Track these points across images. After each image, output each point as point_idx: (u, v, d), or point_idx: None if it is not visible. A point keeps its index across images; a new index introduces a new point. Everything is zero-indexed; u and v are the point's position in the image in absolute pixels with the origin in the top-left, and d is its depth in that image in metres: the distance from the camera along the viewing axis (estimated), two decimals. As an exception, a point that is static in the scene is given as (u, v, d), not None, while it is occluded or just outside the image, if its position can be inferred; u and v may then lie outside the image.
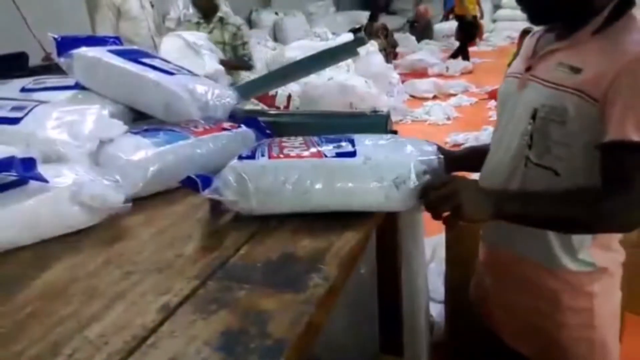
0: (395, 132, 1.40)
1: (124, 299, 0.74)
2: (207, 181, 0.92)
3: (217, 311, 0.70)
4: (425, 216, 1.63)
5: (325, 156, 0.95)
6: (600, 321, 1.06)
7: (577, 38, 0.97)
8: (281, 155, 0.96)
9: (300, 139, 1.04)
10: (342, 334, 1.51)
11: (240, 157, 0.96)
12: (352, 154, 0.95)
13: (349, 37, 6.64)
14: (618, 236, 1.06)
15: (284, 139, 1.05)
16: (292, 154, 0.97)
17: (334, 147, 0.97)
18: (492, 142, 1.15)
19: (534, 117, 0.99)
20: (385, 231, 1.41)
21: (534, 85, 1.02)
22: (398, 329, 1.52)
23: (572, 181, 0.97)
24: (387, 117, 1.36)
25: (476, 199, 0.91)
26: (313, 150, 0.97)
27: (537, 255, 1.05)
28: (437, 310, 2.14)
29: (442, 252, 1.92)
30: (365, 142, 1.00)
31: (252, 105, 1.67)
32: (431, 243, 2.28)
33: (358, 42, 1.35)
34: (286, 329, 0.66)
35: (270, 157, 0.95)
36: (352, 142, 0.99)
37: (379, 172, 0.93)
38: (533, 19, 1.02)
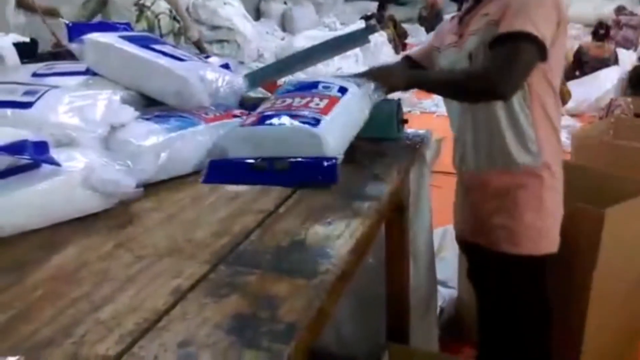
0: (405, 121, 1.39)
1: (135, 282, 0.74)
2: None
3: (229, 295, 0.70)
4: (434, 208, 1.64)
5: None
6: (547, 210, 1.35)
7: (487, 1, 1.32)
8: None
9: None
10: (350, 321, 1.52)
11: None
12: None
13: (358, 26, 6.62)
14: (553, 136, 1.34)
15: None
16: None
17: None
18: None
19: (470, 58, 1.32)
20: (394, 220, 1.41)
21: (468, 39, 1.34)
22: (405, 317, 1.52)
23: None
24: (397, 103, 1.35)
25: (397, 74, 1.29)
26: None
27: (499, 162, 1.35)
28: (447, 296, 2.16)
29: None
30: None
31: (261, 94, 1.65)
32: (439, 233, 2.29)
33: (370, 29, 1.34)
34: (297, 313, 0.66)
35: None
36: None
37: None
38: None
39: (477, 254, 1.53)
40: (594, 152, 2.19)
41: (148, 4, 3.06)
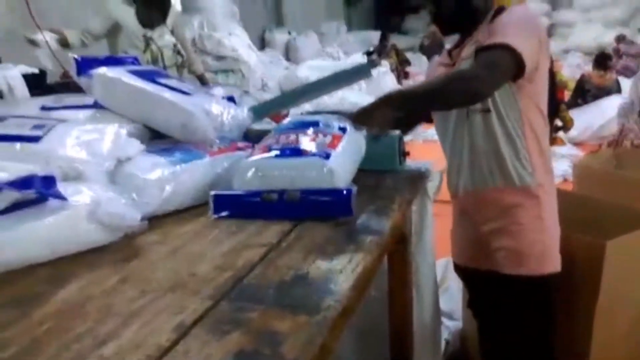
0: (407, 154, 1.41)
1: (139, 317, 0.75)
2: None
3: (231, 332, 0.71)
4: (437, 239, 1.65)
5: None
6: (548, 230, 1.38)
7: (476, 33, 1.37)
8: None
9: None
10: (353, 354, 1.51)
11: None
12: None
13: (360, 57, 6.71)
14: (543, 157, 1.38)
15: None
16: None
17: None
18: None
19: None
20: (397, 252, 1.41)
21: (460, 64, 1.38)
22: (409, 350, 1.51)
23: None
24: (399, 136, 1.37)
25: (378, 113, 1.23)
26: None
27: (498, 180, 1.37)
28: (452, 328, 2.14)
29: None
30: None
31: (267, 123, 1.67)
32: (443, 264, 2.28)
33: (371, 64, 1.37)
34: (299, 350, 0.66)
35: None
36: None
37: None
38: (446, 32, 1.49)
39: (478, 280, 1.52)
40: (596, 182, 2.19)
41: (155, 37, 3.14)
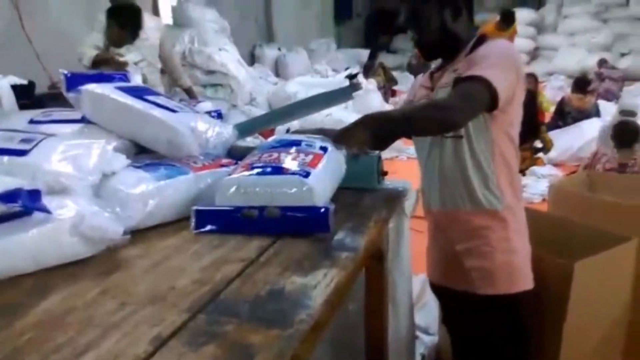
0: (385, 173, 1.46)
1: (118, 329, 0.78)
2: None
3: (206, 344, 0.74)
4: (415, 254, 1.69)
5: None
6: (516, 250, 1.43)
7: (457, 61, 1.45)
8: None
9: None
10: (329, 369, 1.53)
11: None
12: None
13: (345, 78, 6.80)
14: (513, 182, 1.44)
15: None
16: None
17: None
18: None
19: None
20: (374, 268, 1.45)
21: (438, 92, 1.45)
22: (384, 366, 1.54)
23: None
24: (377, 156, 1.42)
25: (357, 131, 1.26)
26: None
27: (466, 203, 1.43)
28: (428, 343, 2.18)
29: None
30: None
31: (250, 141, 1.71)
32: (420, 280, 2.32)
33: (352, 87, 1.42)
34: (271, 363, 0.69)
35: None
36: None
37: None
38: (427, 58, 1.57)
39: (451, 298, 1.57)
40: (570, 204, 2.26)
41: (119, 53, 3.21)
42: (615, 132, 3.53)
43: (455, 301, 1.55)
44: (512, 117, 1.42)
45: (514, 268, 1.44)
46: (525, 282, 1.46)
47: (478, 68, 1.31)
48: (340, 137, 1.29)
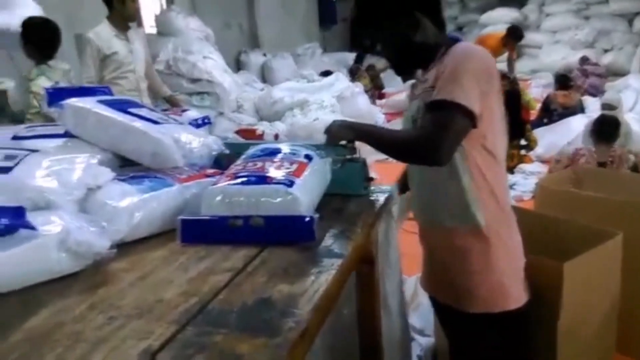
0: (371, 179, 1.47)
1: (106, 343, 0.78)
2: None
3: (195, 355, 0.74)
4: (407, 256, 1.70)
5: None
6: (498, 270, 1.38)
7: (429, 68, 1.40)
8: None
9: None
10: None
11: None
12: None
13: (334, 77, 6.82)
14: (492, 201, 1.37)
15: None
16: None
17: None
18: None
19: (414, 122, 1.40)
20: (364, 272, 1.46)
21: (412, 104, 1.44)
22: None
23: None
24: (363, 162, 1.43)
25: (344, 128, 1.36)
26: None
27: (445, 217, 1.39)
28: (424, 344, 2.19)
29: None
30: None
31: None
32: (413, 281, 2.34)
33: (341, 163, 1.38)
34: (259, 372, 0.70)
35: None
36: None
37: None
38: (402, 75, 1.52)
39: (438, 307, 1.58)
40: (557, 201, 2.27)
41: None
42: (595, 126, 3.53)
43: (442, 312, 1.57)
44: (485, 129, 1.31)
45: (493, 288, 1.38)
46: (509, 302, 1.39)
47: (446, 86, 1.26)
48: (331, 127, 1.36)
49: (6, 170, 1.12)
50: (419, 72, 1.48)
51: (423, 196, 1.46)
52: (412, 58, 1.43)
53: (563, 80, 6.24)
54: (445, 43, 1.38)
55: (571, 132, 5.46)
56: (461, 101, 1.24)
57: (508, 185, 1.51)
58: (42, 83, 2.76)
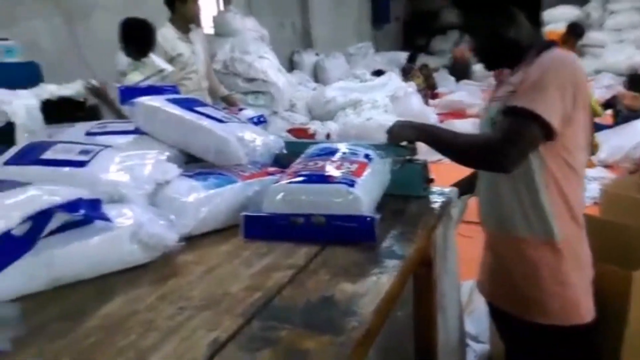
0: (431, 180, 1.45)
1: (177, 333, 0.81)
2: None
3: (262, 349, 0.76)
4: (462, 260, 1.67)
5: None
6: (571, 283, 1.33)
7: (516, 69, 1.35)
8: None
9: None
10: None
11: None
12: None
13: (386, 77, 6.77)
14: (568, 214, 1.33)
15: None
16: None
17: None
18: None
19: (493, 124, 1.33)
20: (422, 275, 1.44)
21: (492, 105, 1.38)
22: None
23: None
24: (423, 163, 1.41)
25: (406, 128, 1.37)
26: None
27: (518, 228, 1.34)
28: (478, 351, 2.15)
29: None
30: None
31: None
32: (469, 286, 2.29)
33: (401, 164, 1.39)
34: (325, 368, 0.71)
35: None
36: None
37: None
38: (487, 67, 1.45)
39: (499, 316, 1.51)
40: (623, 207, 2.18)
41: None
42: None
43: (501, 319, 1.50)
44: (568, 142, 1.26)
45: (565, 301, 1.34)
46: (581, 315, 1.34)
47: (527, 94, 1.21)
48: (394, 127, 1.38)
49: (82, 164, 1.18)
50: (504, 72, 1.44)
51: (494, 204, 1.40)
52: (500, 54, 1.38)
53: (638, 79, 5.88)
54: (539, 45, 1.33)
55: (637, 135, 5.20)
56: (541, 112, 1.19)
57: (585, 199, 1.43)
58: (134, 77, 2.93)
